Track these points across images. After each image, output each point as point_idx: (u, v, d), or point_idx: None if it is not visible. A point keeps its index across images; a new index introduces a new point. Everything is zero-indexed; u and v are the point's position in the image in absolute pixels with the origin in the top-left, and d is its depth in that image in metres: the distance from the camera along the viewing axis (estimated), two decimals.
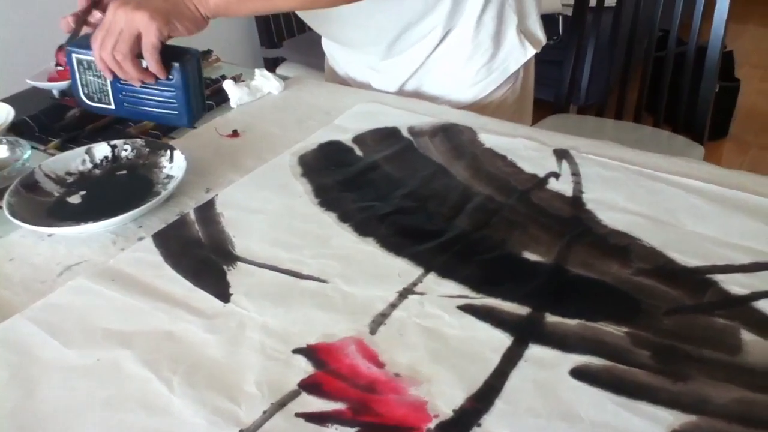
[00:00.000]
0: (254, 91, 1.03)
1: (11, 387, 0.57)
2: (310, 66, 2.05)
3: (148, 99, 0.82)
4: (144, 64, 0.79)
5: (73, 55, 0.81)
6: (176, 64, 0.79)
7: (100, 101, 0.83)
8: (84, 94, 0.83)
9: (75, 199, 0.81)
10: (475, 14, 0.97)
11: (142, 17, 0.75)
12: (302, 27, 2.28)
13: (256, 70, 1.07)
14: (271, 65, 2.23)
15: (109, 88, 0.82)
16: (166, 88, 0.81)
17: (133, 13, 0.75)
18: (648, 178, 0.77)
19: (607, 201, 0.73)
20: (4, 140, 0.88)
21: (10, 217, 0.74)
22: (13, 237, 0.76)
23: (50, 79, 1.11)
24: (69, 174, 0.85)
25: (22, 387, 0.57)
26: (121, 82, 0.81)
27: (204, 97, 0.87)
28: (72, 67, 0.82)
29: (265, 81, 1.04)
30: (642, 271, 0.63)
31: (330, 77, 1.19)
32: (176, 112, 0.82)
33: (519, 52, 1.02)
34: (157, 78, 0.80)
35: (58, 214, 0.78)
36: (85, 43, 0.80)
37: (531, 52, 1.03)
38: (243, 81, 1.05)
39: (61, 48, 0.85)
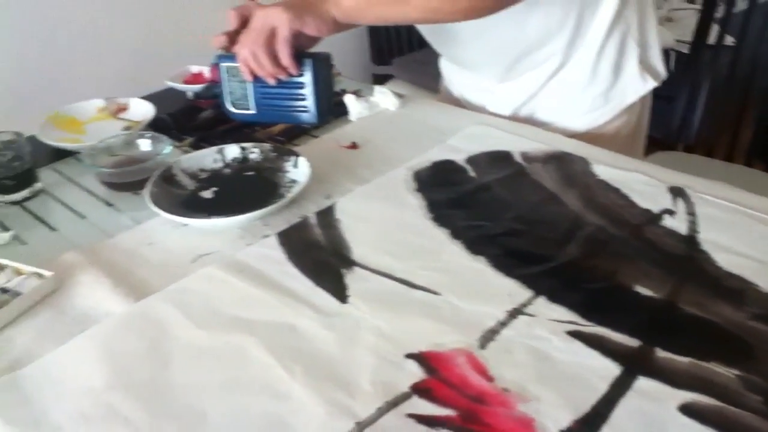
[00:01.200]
0: (373, 106, 1.08)
1: (149, 358, 0.63)
2: (417, 85, 2.10)
3: (282, 99, 0.88)
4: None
5: (222, 64, 0.88)
6: (307, 60, 0.85)
7: (242, 107, 0.90)
8: (230, 102, 0.90)
9: (207, 194, 0.88)
10: (596, 44, 0.99)
11: (276, 10, 0.83)
12: (412, 46, 2.34)
13: (375, 87, 1.12)
14: (380, 82, 2.30)
15: (250, 93, 0.88)
16: (298, 86, 0.87)
17: (269, 9, 0.84)
18: (762, 223, 0.76)
19: (722, 243, 0.73)
20: (147, 135, 0.96)
21: (152, 206, 0.81)
22: (151, 223, 0.83)
23: (185, 82, 1.20)
24: (202, 170, 0.92)
25: (158, 359, 0.62)
26: (260, 85, 0.87)
27: (333, 99, 0.93)
28: (221, 77, 0.89)
29: (383, 97, 1.09)
30: (756, 316, 0.63)
31: (445, 97, 1.22)
32: (307, 110, 0.88)
33: (638, 84, 1.02)
34: (290, 74, 0.86)
35: (192, 206, 0.85)
36: (233, 55, 0.87)
37: (651, 84, 1.03)
38: (362, 96, 1.11)
39: (215, 64, 0.93)
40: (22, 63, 1.58)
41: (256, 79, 0.87)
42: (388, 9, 0.87)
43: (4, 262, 0.76)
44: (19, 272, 0.74)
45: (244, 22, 0.90)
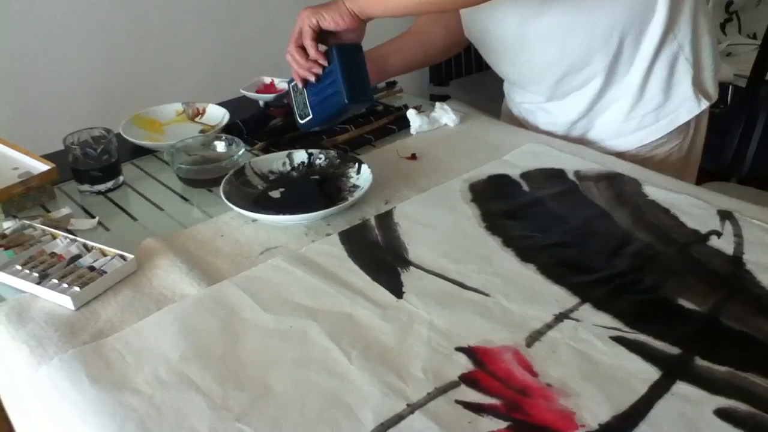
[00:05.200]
0: (433, 122, 1.14)
1: (221, 336, 0.68)
2: (473, 106, 2.14)
3: (323, 92, 0.95)
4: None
5: (289, 85, 0.96)
6: (332, 49, 0.93)
7: (305, 115, 0.97)
8: (298, 115, 0.97)
9: (275, 194, 0.94)
10: (643, 64, 1.01)
11: (299, 14, 0.94)
12: (469, 69, 2.40)
13: (437, 103, 1.17)
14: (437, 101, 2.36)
15: (306, 100, 0.96)
16: (330, 75, 0.94)
17: (297, 16, 0.95)
18: None
19: (766, 264, 0.75)
20: (223, 137, 1.04)
21: (225, 200, 0.88)
22: (224, 217, 0.90)
23: (258, 91, 1.28)
24: (271, 172, 0.98)
25: (229, 336, 0.68)
26: (311, 87, 0.94)
27: (368, 84, 0.96)
28: (290, 96, 0.97)
29: (443, 113, 1.14)
30: None
31: (506, 116, 1.27)
32: (339, 94, 0.94)
33: (692, 104, 1.04)
34: (322, 65, 0.94)
35: (261, 204, 0.91)
36: None
37: (704, 104, 1.04)
38: (423, 111, 1.16)
39: (287, 90, 1.02)
40: (113, 67, 1.72)
41: (308, 84, 0.94)
42: (397, 2, 0.93)
43: (91, 243, 0.83)
44: (104, 253, 0.82)
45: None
